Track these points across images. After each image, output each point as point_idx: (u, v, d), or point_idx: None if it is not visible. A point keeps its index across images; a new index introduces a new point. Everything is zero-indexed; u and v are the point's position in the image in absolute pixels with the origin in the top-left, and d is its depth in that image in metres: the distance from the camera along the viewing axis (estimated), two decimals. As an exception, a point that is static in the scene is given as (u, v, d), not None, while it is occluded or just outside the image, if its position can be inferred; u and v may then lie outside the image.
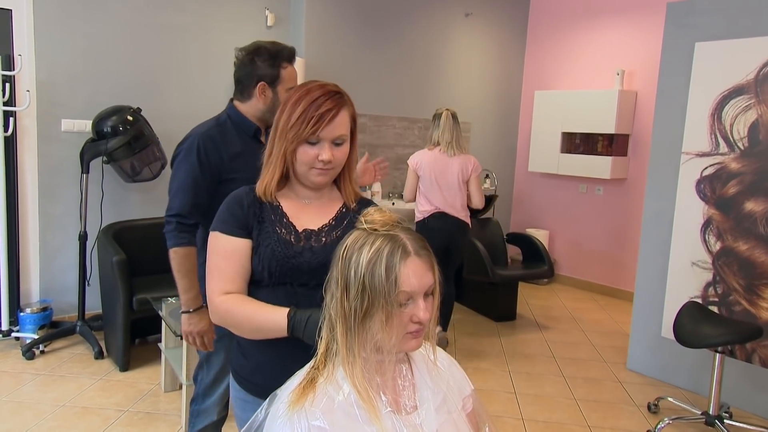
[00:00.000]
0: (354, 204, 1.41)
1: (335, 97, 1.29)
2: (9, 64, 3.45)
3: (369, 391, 0.98)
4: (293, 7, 4.59)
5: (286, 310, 1.19)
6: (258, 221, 1.32)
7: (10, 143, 3.55)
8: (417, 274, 0.97)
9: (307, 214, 1.37)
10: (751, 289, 3.16)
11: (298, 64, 4.24)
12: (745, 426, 2.97)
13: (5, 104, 3.42)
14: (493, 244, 4.77)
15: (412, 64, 5.20)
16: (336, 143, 1.29)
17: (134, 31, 3.94)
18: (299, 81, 4.48)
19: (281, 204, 1.36)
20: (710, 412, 2.92)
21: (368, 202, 1.42)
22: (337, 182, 1.40)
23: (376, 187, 4.91)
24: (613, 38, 5.31)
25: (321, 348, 1.03)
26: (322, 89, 1.29)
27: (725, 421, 2.91)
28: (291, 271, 1.30)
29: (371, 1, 4.85)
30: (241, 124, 1.94)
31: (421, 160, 3.78)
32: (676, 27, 3.46)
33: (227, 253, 1.29)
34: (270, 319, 1.20)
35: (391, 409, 1.00)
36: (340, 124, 1.29)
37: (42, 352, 3.48)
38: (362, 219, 1.03)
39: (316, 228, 1.35)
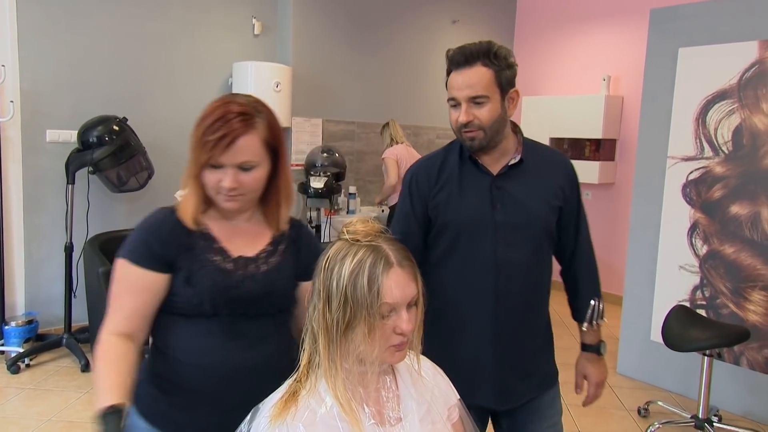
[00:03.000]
0: (287, 226, 1.32)
1: (238, 120, 1.15)
2: (-8, 75, 3.42)
3: (352, 403, 0.97)
4: (280, 16, 4.59)
5: (114, 393, 1.08)
6: (186, 249, 1.21)
7: (-6, 154, 3.51)
8: (400, 285, 0.97)
9: (240, 238, 1.26)
10: (738, 292, 3.18)
11: (285, 72, 4.25)
12: (734, 429, 2.98)
13: (-11, 115, 3.39)
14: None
15: (399, 72, 5.21)
16: (243, 168, 1.17)
17: (120, 40, 3.92)
18: (286, 88, 4.47)
19: (210, 228, 1.24)
20: (699, 416, 2.93)
21: (300, 224, 1.36)
22: (263, 205, 1.28)
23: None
24: (599, 44, 5.35)
25: (303, 360, 1.02)
26: (225, 108, 1.16)
27: (714, 424, 2.92)
28: (233, 302, 1.21)
29: (358, 9, 4.86)
30: None
31: (398, 152, 4.53)
32: (659, 33, 3.49)
33: (133, 288, 1.18)
34: (97, 393, 1.09)
35: (375, 422, 0.99)
36: (244, 150, 1.15)
37: (27, 365, 3.44)
38: (345, 229, 1.02)
39: (252, 255, 1.26)
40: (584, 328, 1.62)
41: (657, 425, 2.95)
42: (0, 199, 3.59)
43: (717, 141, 3.24)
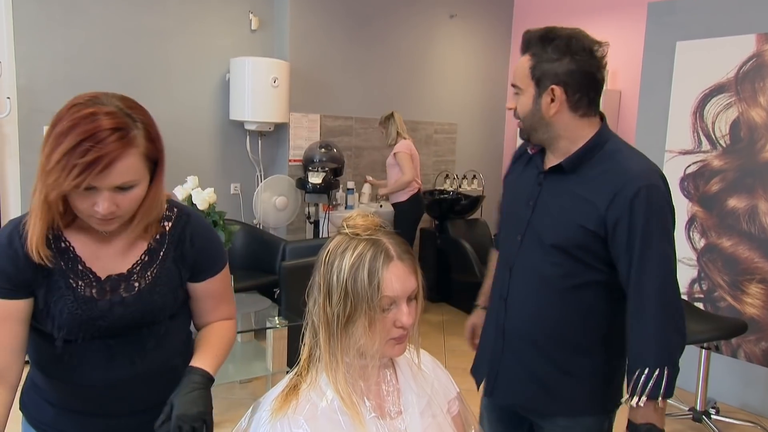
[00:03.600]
0: (168, 224, 1.15)
1: (113, 138, 0.94)
2: (-11, 71, 3.41)
3: (352, 396, 0.98)
4: (277, 11, 4.57)
5: None
6: (42, 274, 1.03)
7: (-8, 151, 3.50)
8: (400, 278, 0.97)
9: (109, 251, 1.09)
10: (736, 285, 3.19)
11: (282, 67, 4.24)
12: (732, 421, 2.99)
13: (-14, 111, 3.37)
14: (481, 244, 4.77)
15: (397, 67, 5.20)
16: (121, 188, 0.98)
17: (116, 35, 3.90)
18: (284, 84, 4.44)
19: (72, 244, 1.06)
20: (697, 408, 2.94)
21: (185, 217, 1.18)
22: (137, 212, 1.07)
23: (366, 188, 4.91)
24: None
25: (304, 354, 1.03)
26: (93, 125, 0.93)
27: (712, 416, 2.93)
28: (100, 332, 1.07)
29: (356, 3, 4.85)
30: None
31: (410, 146, 4.42)
32: (657, 26, 3.49)
33: None
34: None
35: (375, 415, 0.99)
36: (123, 172, 0.96)
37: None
38: (344, 223, 1.02)
39: (125, 270, 1.09)
40: (623, 400, 1.34)
41: (655, 418, 2.96)
42: (-2, 195, 3.58)
43: (715, 134, 3.25)
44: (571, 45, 1.34)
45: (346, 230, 1.01)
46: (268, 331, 2.84)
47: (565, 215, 1.35)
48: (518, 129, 1.45)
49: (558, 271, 1.37)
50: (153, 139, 1.02)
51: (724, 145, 3.21)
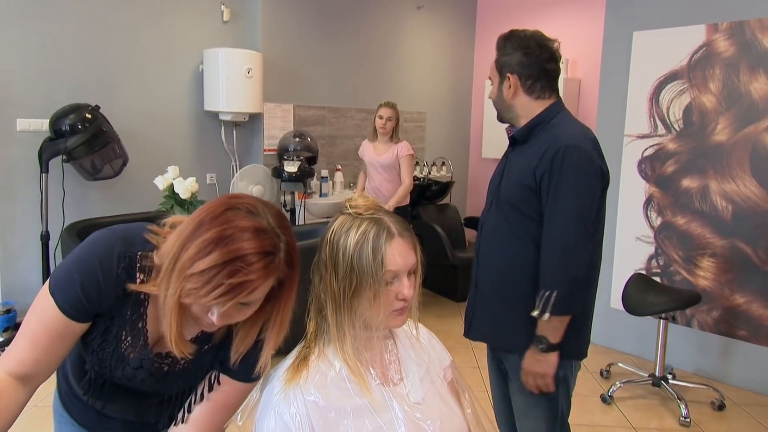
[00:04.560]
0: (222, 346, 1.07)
1: (261, 264, 0.87)
2: (-42, 64, 3.29)
3: (359, 365, 1.02)
4: (249, 2, 4.53)
5: None
6: (110, 315, 1.00)
7: (-36, 144, 3.39)
8: (401, 253, 1.02)
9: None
10: (690, 259, 3.35)
11: (256, 58, 4.21)
12: (687, 385, 3.16)
13: (-44, 105, 3.26)
14: (452, 228, 4.87)
15: (367, 57, 5.21)
16: (242, 303, 0.92)
17: (89, 28, 3.81)
18: (257, 74, 4.38)
19: (149, 302, 1.01)
20: (656, 374, 3.10)
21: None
22: None
23: (338, 176, 4.93)
24: (558, 28, 5.46)
25: (311, 328, 1.07)
26: (248, 242, 0.86)
27: (670, 381, 3.09)
28: (118, 382, 1.08)
29: (325, -5, 4.84)
30: None
31: (410, 146, 4.10)
32: (615, 17, 3.60)
33: (53, 331, 0.97)
34: None
35: (380, 382, 1.04)
36: (253, 297, 0.90)
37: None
38: (347, 204, 1.06)
39: (165, 350, 1.05)
40: (533, 314, 1.54)
41: (618, 384, 3.11)
42: (-29, 189, 3.48)
43: (669, 119, 3.38)
44: (523, 42, 1.62)
45: (349, 210, 1.05)
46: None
47: (514, 176, 1.64)
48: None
49: (507, 224, 1.64)
50: (292, 263, 0.93)
51: (678, 129, 3.35)
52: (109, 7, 3.87)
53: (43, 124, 3.60)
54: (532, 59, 1.61)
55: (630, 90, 3.55)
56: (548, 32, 1.70)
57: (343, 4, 4.97)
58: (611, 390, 3.07)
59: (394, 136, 4.00)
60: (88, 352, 1.04)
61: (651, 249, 3.52)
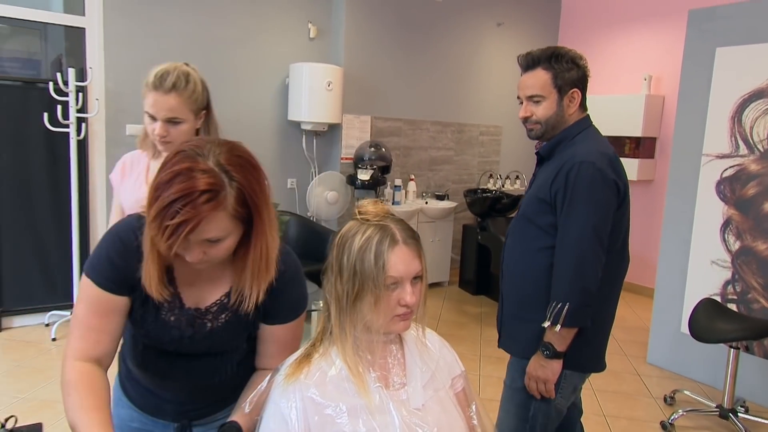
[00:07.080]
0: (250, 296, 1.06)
1: (201, 200, 0.89)
2: (82, 76, 3.65)
3: (359, 366, 1.01)
4: (334, 20, 4.66)
5: None
6: (142, 286, 1.03)
7: (83, 146, 3.75)
8: (404, 260, 1.00)
9: (202, 277, 1.08)
10: (770, 287, 3.02)
11: (336, 72, 4.32)
12: (759, 420, 2.85)
13: (78, 111, 3.61)
14: (520, 241, 4.71)
15: (445, 71, 5.19)
16: (210, 241, 0.95)
17: (190, 44, 4.09)
18: (337, 87, 4.50)
19: (174, 264, 1.06)
20: (725, 405, 2.82)
21: (282, 270, 1.11)
22: (233, 256, 1.04)
23: (411, 186, 4.93)
24: (640, 44, 5.15)
25: (318, 327, 1.08)
26: (188, 182, 0.89)
27: (740, 414, 2.80)
28: (166, 349, 1.10)
29: (407, 13, 4.87)
30: None
31: None
32: (697, 33, 3.34)
33: (100, 310, 1.03)
34: None
35: (380, 385, 1.02)
36: (208, 230, 0.92)
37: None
38: (357, 210, 1.06)
39: (204, 306, 1.09)
40: (543, 325, 1.54)
41: (681, 412, 2.86)
42: (87, 186, 3.83)
43: (752, 139, 3.08)
44: (575, 58, 1.61)
45: (358, 216, 1.05)
46: (313, 313, 2.93)
47: (533, 191, 1.64)
48: (528, 131, 1.68)
49: (523, 237, 1.64)
50: (245, 201, 0.94)
51: (761, 149, 3.04)
52: (208, 27, 4.14)
53: (148, 130, 3.90)
54: (586, 74, 1.63)
55: (710, 108, 3.27)
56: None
57: (423, 21, 4.98)
58: (672, 417, 2.83)
59: None
60: (136, 327, 1.10)
61: (727, 274, 3.21)
